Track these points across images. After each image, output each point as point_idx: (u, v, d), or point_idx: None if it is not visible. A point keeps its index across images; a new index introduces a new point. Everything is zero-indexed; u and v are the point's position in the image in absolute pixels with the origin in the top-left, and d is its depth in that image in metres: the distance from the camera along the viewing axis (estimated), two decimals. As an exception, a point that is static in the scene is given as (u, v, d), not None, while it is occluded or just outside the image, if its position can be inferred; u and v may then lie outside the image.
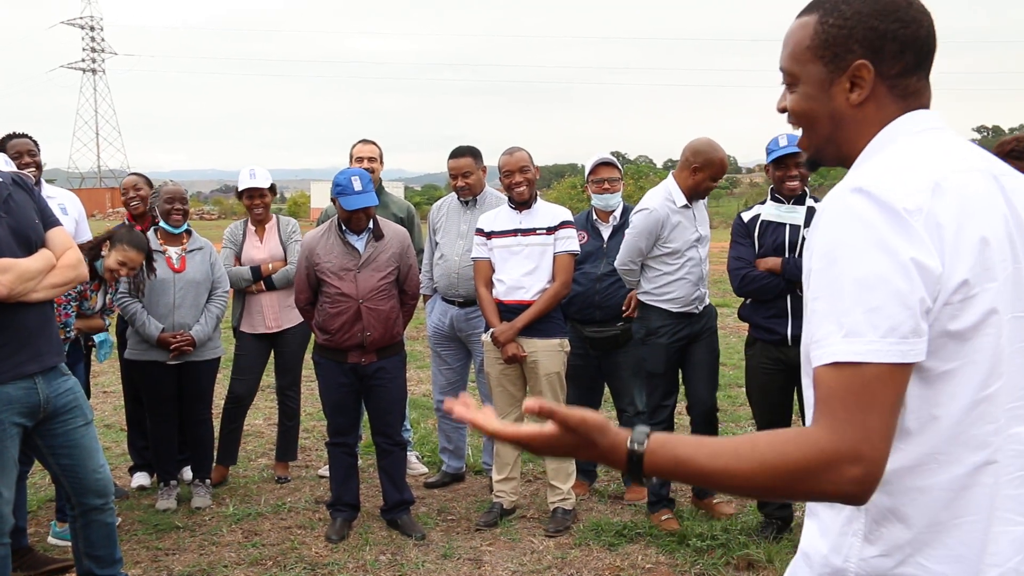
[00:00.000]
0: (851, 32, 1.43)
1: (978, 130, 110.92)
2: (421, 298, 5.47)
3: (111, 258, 4.50)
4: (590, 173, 5.18)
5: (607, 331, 5.06)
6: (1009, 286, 1.35)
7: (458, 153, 5.35)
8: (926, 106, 1.47)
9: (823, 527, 1.43)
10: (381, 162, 5.63)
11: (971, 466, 1.34)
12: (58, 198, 4.94)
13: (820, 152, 1.54)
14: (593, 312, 5.06)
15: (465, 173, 5.27)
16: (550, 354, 4.71)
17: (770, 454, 1.27)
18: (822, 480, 1.24)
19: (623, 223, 5.11)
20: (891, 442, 1.26)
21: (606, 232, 5.15)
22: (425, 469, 5.76)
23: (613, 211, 5.16)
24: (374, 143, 5.65)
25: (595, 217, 5.20)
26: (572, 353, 4.89)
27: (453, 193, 5.47)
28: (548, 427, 1.38)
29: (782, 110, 1.57)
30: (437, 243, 5.41)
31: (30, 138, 4.96)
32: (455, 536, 4.68)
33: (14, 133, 4.98)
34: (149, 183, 5.66)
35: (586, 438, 1.36)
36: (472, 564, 4.33)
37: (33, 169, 4.89)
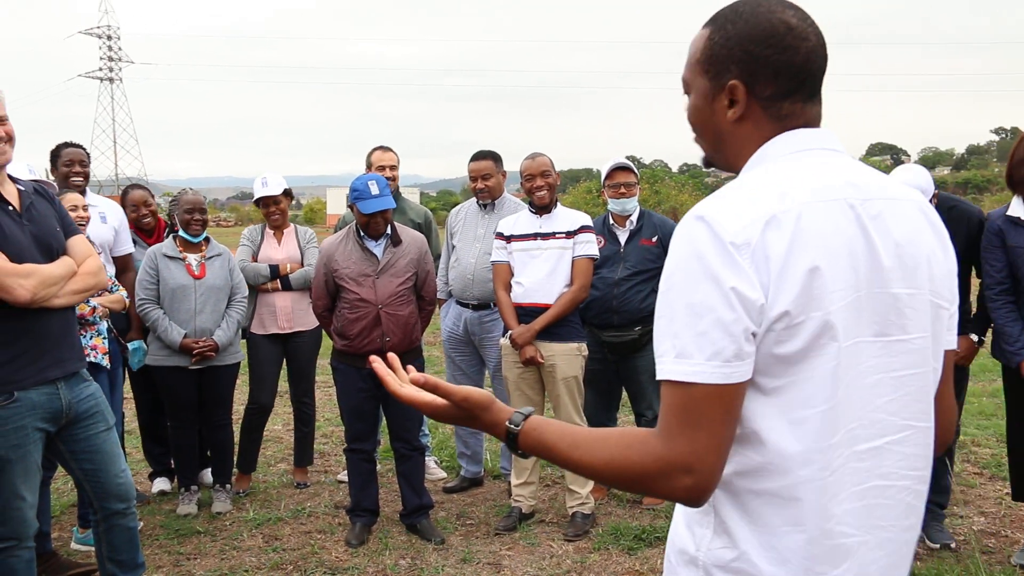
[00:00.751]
0: (730, 52, 1.48)
1: (996, 132, 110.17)
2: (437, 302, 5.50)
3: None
4: (606, 178, 5.18)
5: (625, 335, 5.05)
6: (851, 313, 1.38)
7: (479, 156, 5.38)
8: (811, 124, 1.51)
9: (687, 518, 1.52)
10: (396, 169, 5.65)
11: (801, 478, 1.39)
12: (100, 206, 5.04)
13: (713, 159, 1.62)
14: (611, 317, 5.05)
15: (485, 175, 5.30)
16: (568, 358, 4.71)
17: (617, 455, 1.39)
18: (658, 485, 1.35)
19: (640, 227, 5.11)
20: (723, 453, 1.34)
21: (623, 236, 5.14)
22: (444, 474, 5.77)
23: (630, 215, 5.16)
24: (392, 150, 5.67)
25: (612, 222, 5.20)
26: (590, 358, 4.88)
27: (472, 199, 5.49)
28: (439, 399, 1.59)
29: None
30: (454, 246, 5.43)
31: (83, 148, 5.07)
32: (474, 540, 4.68)
33: (68, 143, 5.09)
34: (151, 193, 5.72)
35: (469, 412, 1.56)
36: (491, 568, 4.33)
37: (81, 179, 4.98)
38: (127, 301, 4.81)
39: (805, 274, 1.34)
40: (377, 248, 4.64)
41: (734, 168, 1.56)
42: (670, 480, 1.33)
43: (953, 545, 4.43)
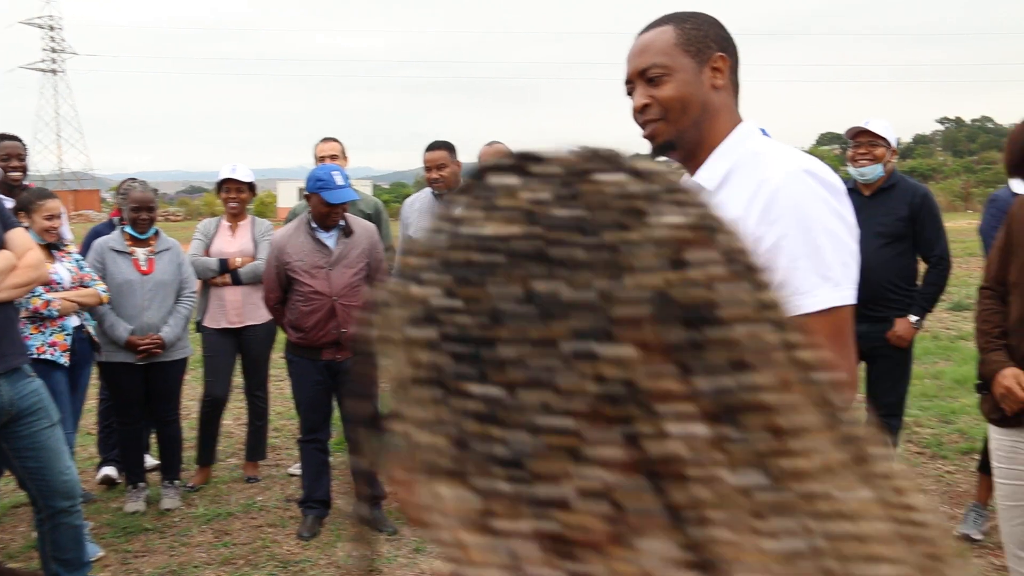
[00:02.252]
0: (707, 33, 1.76)
1: (941, 121, 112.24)
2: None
3: (37, 221, 4.48)
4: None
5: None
6: None
7: (434, 146, 5.38)
8: None
9: None
10: (344, 158, 5.63)
11: None
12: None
13: (682, 137, 1.76)
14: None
15: (440, 165, 5.30)
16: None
17: None
18: None
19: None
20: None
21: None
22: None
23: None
24: (336, 140, 5.66)
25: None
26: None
27: (427, 189, 5.49)
28: None
29: (642, 107, 1.76)
30: (408, 237, 5.42)
31: (20, 141, 4.97)
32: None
33: (5, 135, 4.98)
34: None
35: None
36: (444, 557, 4.35)
37: (19, 173, 4.89)
38: (105, 295, 4.73)
39: None
40: (330, 239, 4.62)
41: (702, 141, 1.75)
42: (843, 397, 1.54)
43: (895, 523, 4.54)
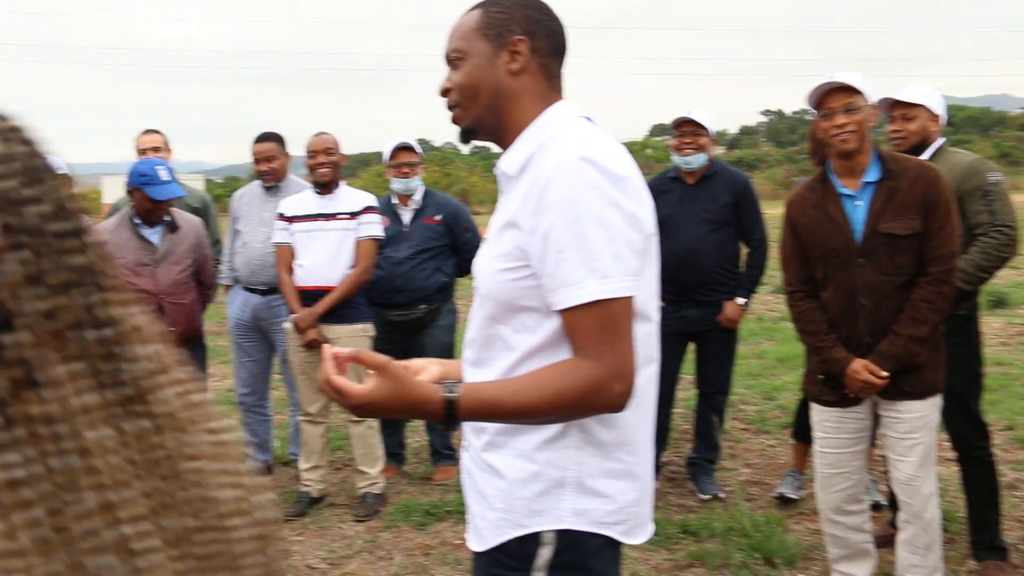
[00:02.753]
0: (511, 16, 1.72)
1: (764, 113, 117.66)
2: (222, 289, 5.34)
3: None
4: (389, 158, 5.19)
5: (411, 314, 5.09)
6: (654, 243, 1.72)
7: (262, 138, 5.24)
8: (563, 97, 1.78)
9: (520, 452, 1.64)
10: (168, 150, 5.43)
11: (647, 376, 1.68)
12: None
13: (479, 122, 1.76)
14: (396, 296, 5.07)
15: (269, 157, 5.17)
16: (354, 339, 4.69)
17: (559, 386, 1.51)
18: (599, 400, 1.52)
19: (424, 207, 5.16)
20: (635, 357, 1.54)
21: (407, 216, 5.16)
22: (231, 464, 5.62)
23: (413, 195, 5.18)
24: (158, 132, 5.45)
25: (395, 201, 5.21)
26: (376, 338, 4.89)
27: (256, 181, 5.35)
28: (367, 383, 1.54)
29: (444, 92, 1.77)
30: (239, 231, 5.28)
31: None
32: (263, 529, 4.60)
33: None
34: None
35: (397, 380, 1.52)
36: (280, 555, 4.27)
37: None
38: None
39: (651, 205, 1.66)
40: (154, 236, 4.44)
41: (503, 125, 1.73)
42: (607, 392, 1.51)
43: (722, 495, 4.76)
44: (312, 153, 4.79)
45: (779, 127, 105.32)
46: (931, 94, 3.87)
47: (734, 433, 5.96)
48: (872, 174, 3.19)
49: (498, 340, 1.66)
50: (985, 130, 71.79)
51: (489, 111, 1.73)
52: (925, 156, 3.77)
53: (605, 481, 1.63)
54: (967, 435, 3.83)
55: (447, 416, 1.52)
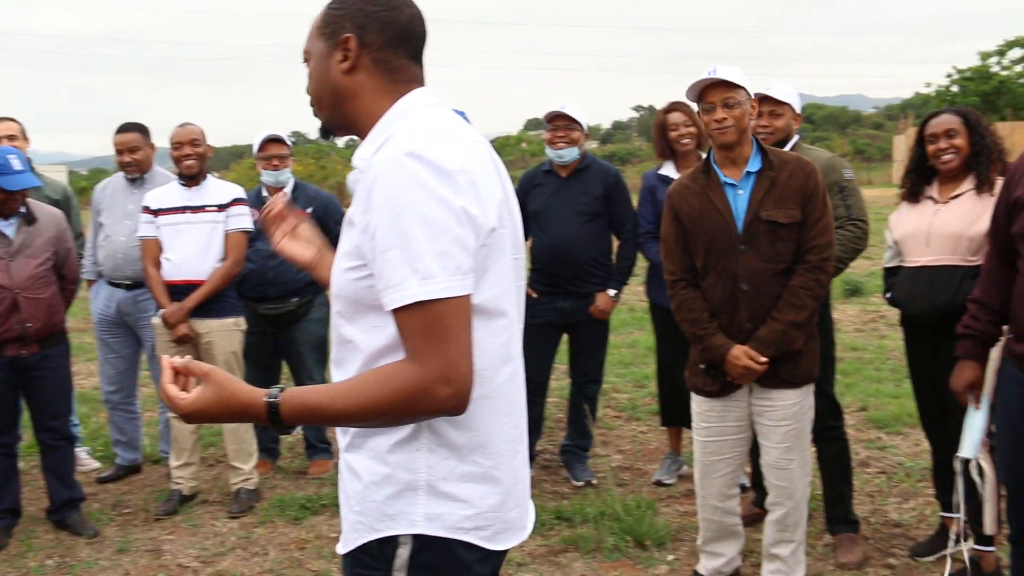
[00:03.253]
0: (345, 12, 1.68)
1: (636, 109, 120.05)
2: (85, 284, 5.16)
3: None
4: (258, 150, 5.11)
5: (282, 307, 5.03)
6: (511, 235, 1.68)
7: (125, 128, 5.08)
8: (420, 84, 1.73)
9: (374, 453, 1.62)
10: (25, 140, 5.20)
11: (504, 376, 1.66)
12: None
13: (330, 121, 1.76)
14: (267, 289, 5.00)
15: (132, 148, 5.01)
16: (225, 334, 4.62)
17: (380, 390, 1.48)
18: (424, 404, 1.47)
19: (294, 199, 5.09)
20: (470, 359, 1.50)
21: (278, 208, 5.08)
22: (97, 464, 5.45)
23: (283, 187, 5.12)
24: (13, 120, 5.20)
25: (266, 194, 5.14)
26: (248, 332, 4.82)
27: (120, 172, 5.18)
28: (193, 391, 1.59)
29: (307, 91, 1.77)
30: (102, 224, 5.10)
31: None
32: (132, 529, 4.47)
33: None
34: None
35: (221, 387, 1.56)
36: (151, 555, 4.17)
37: None
38: None
39: (497, 198, 1.61)
40: (8, 228, 4.25)
41: (355, 125, 1.71)
42: (432, 395, 1.46)
43: (594, 481, 4.88)
44: (177, 144, 4.67)
45: (650, 122, 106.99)
46: (793, 92, 4.07)
47: (607, 420, 6.10)
48: (753, 164, 3.31)
49: (348, 340, 1.62)
50: (842, 128, 75.16)
51: (334, 110, 1.72)
52: None
53: (460, 485, 1.59)
54: (823, 415, 4.02)
55: (272, 420, 1.54)
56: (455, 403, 1.48)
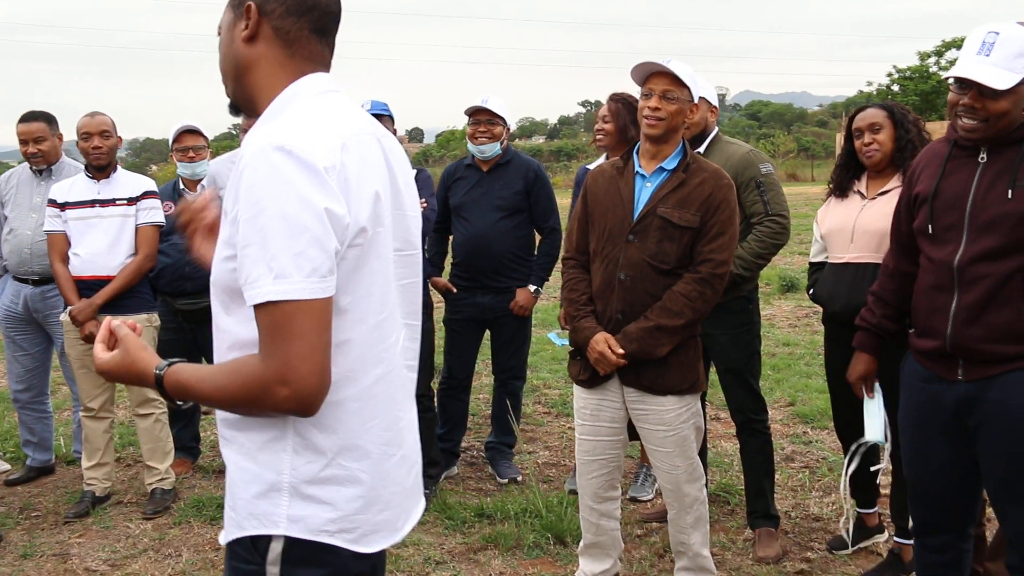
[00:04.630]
0: None
1: (583, 104, 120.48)
2: (-9, 279, 4.99)
3: None
4: (174, 141, 4.98)
5: (200, 302, 4.89)
6: (392, 231, 1.65)
7: (29, 117, 4.89)
8: (323, 68, 1.69)
9: (245, 450, 1.60)
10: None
11: (374, 378, 1.60)
12: None
13: (234, 95, 1.73)
14: (184, 284, 4.88)
15: (37, 139, 4.84)
16: (138, 330, 4.49)
17: (227, 380, 1.49)
18: (264, 401, 1.46)
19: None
20: (317, 362, 1.45)
21: (194, 201, 4.96)
22: (7, 466, 5.27)
23: (200, 180, 4.99)
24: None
25: (182, 186, 5.01)
26: (163, 328, 4.69)
27: (25, 163, 5.01)
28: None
29: None
30: (6, 217, 4.93)
31: None
32: (39, 533, 4.33)
33: None
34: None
35: (127, 349, 1.63)
36: (57, 559, 4.04)
37: None
38: None
39: (373, 196, 1.56)
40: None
41: (253, 100, 1.68)
42: (270, 394, 1.44)
43: (519, 479, 4.83)
44: (86, 135, 4.52)
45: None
46: (708, 86, 4.03)
47: (536, 417, 6.06)
48: (670, 163, 3.25)
49: (224, 330, 1.60)
50: (787, 125, 76.07)
51: (235, 82, 1.69)
52: (703, 146, 3.94)
53: (324, 488, 1.57)
54: (746, 409, 4.03)
55: (159, 390, 1.59)
56: (294, 405, 1.46)
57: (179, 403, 1.61)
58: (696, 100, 3.27)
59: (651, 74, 3.21)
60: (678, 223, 3.17)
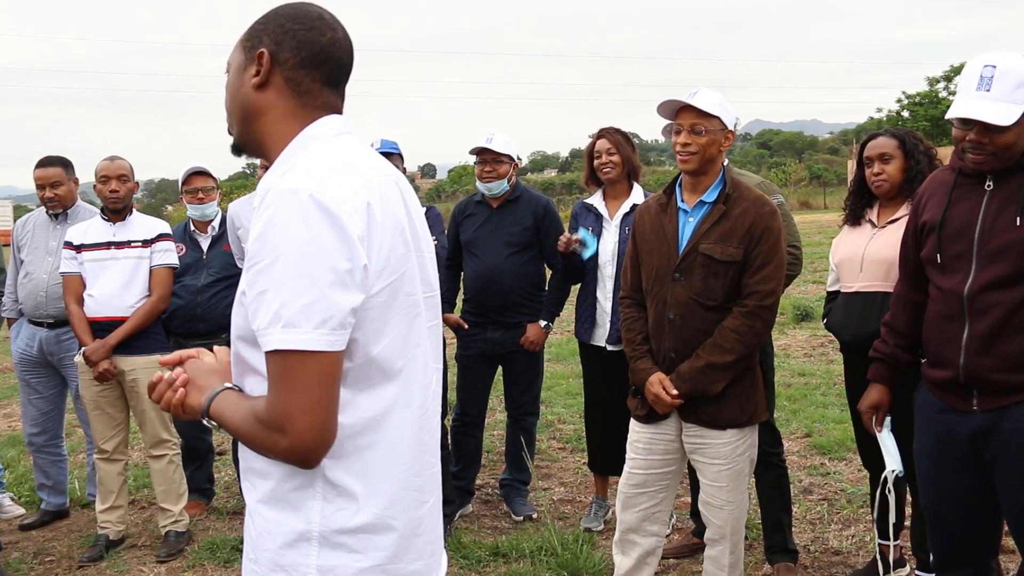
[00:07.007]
0: (266, 27, 1.64)
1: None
2: (5, 323, 5.02)
3: None
4: (183, 184, 5.01)
5: (212, 343, 4.89)
6: (416, 273, 1.63)
7: (46, 162, 4.94)
8: (334, 111, 1.67)
9: (270, 498, 1.54)
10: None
11: (406, 421, 1.59)
12: None
13: (240, 138, 1.71)
14: (197, 325, 4.89)
15: (54, 183, 4.89)
16: (150, 371, 4.49)
17: (242, 419, 1.49)
18: (266, 446, 1.46)
19: (222, 233, 5.00)
20: (319, 415, 1.42)
21: (205, 243, 5.01)
22: (22, 510, 5.27)
23: (211, 221, 5.02)
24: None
25: (193, 228, 5.04)
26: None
27: (42, 207, 5.05)
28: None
29: None
30: (23, 261, 4.97)
31: None
32: (53, 578, 4.32)
33: None
34: None
35: (203, 367, 1.62)
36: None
37: None
38: None
39: (398, 237, 1.55)
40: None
41: (262, 146, 1.67)
42: (270, 441, 1.43)
43: (535, 516, 4.79)
44: (105, 178, 4.56)
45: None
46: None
47: (551, 452, 6.02)
48: (711, 195, 3.23)
49: (244, 363, 1.57)
50: (798, 153, 76.15)
51: (242, 127, 1.68)
52: None
53: (355, 536, 1.52)
54: (762, 442, 3.98)
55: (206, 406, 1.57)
56: (293, 456, 1.44)
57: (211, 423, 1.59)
58: (732, 126, 3.23)
59: (679, 109, 3.19)
60: (721, 259, 3.14)
